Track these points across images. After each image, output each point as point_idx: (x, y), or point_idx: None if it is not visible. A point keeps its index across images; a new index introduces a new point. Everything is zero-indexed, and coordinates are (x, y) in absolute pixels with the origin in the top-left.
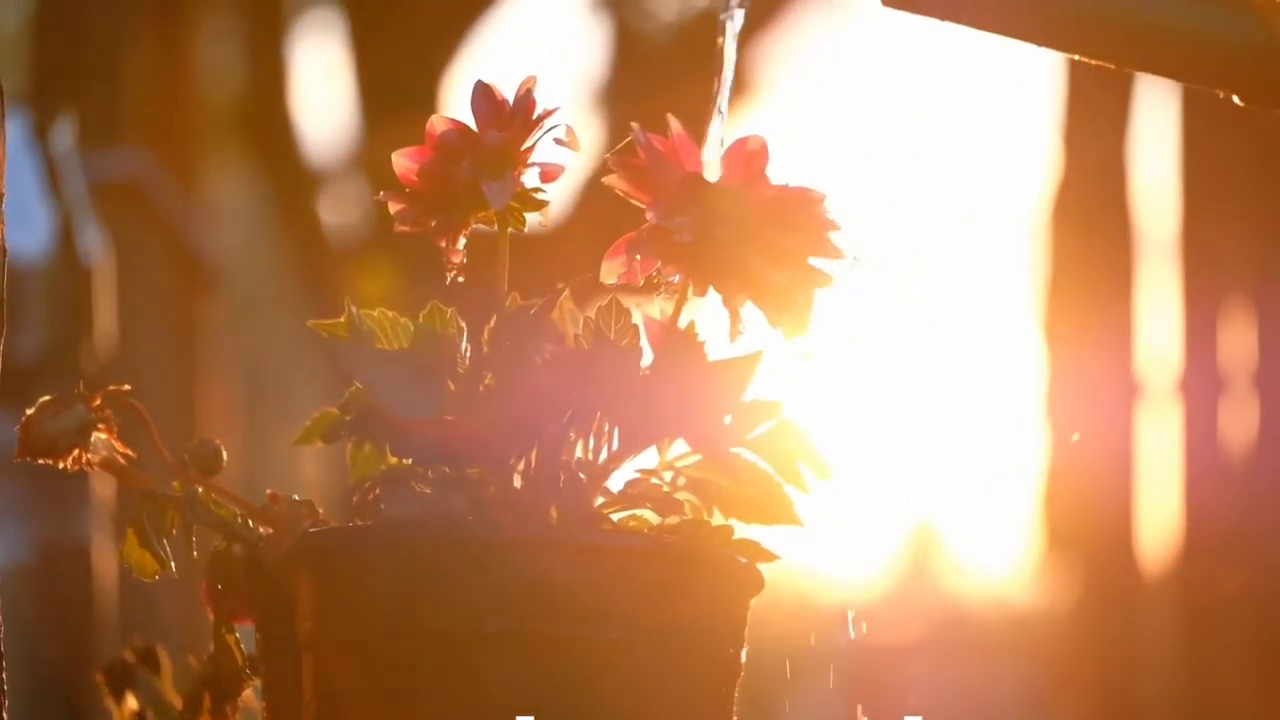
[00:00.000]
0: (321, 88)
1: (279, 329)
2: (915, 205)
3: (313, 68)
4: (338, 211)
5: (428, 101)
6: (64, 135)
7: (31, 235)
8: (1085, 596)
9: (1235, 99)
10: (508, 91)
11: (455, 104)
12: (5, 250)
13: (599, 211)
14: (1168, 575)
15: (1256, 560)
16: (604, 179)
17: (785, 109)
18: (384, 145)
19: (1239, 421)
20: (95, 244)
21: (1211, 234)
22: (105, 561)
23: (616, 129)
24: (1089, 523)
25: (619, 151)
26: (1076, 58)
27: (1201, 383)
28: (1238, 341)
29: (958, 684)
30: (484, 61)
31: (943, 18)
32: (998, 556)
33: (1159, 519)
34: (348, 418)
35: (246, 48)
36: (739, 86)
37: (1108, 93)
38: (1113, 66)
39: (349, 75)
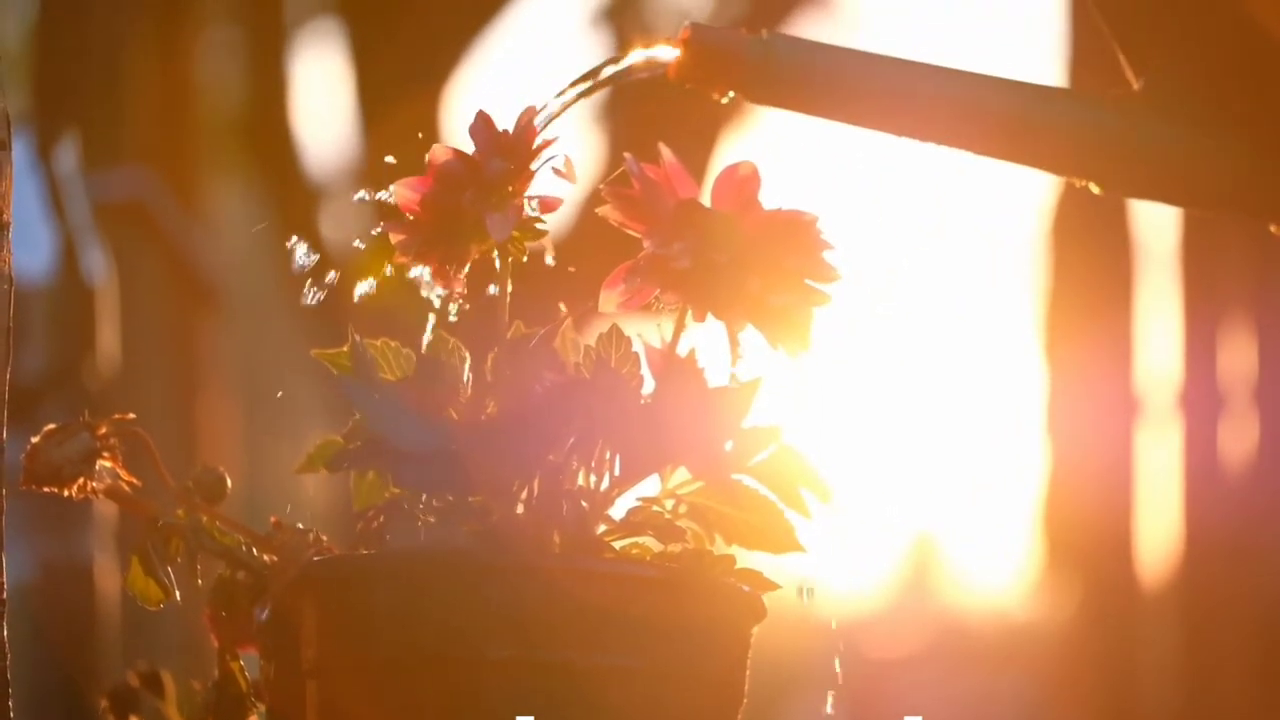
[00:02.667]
0: (323, 102)
1: (282, 346)
2: (915, 219)
3: (314, 82)
4: (341, 226)
5: (429, 115)
6: (66, 156)
7: (34, 256)
8: (1085, 609)
9: (1093, 188)
10: (507, 114)
11: (456, 117)
12: (12, 280)
13: (599, 228)
14: (1167, 589)
15: (1256, 574)
16: (599, 210)
17: (784, 122)
18: (385, 159)
19: (1238, 435)
20: (98, 264)
21: (1212, 248)
22: (107, 581)
23: (616, 144)
24: (1089, 536)
25: (613, 181)
26: (946, 150)
27: (1201, 396)
28: (1237, 355)
29: (957, 696)
30: (484, 75)
31: (814, 114)
32: (998, 569)
33: (1158, 532)
34: (351, 447)
35: (248, 64)
36: (741, 104)
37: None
38: (984, 158)
39: (350, 89)
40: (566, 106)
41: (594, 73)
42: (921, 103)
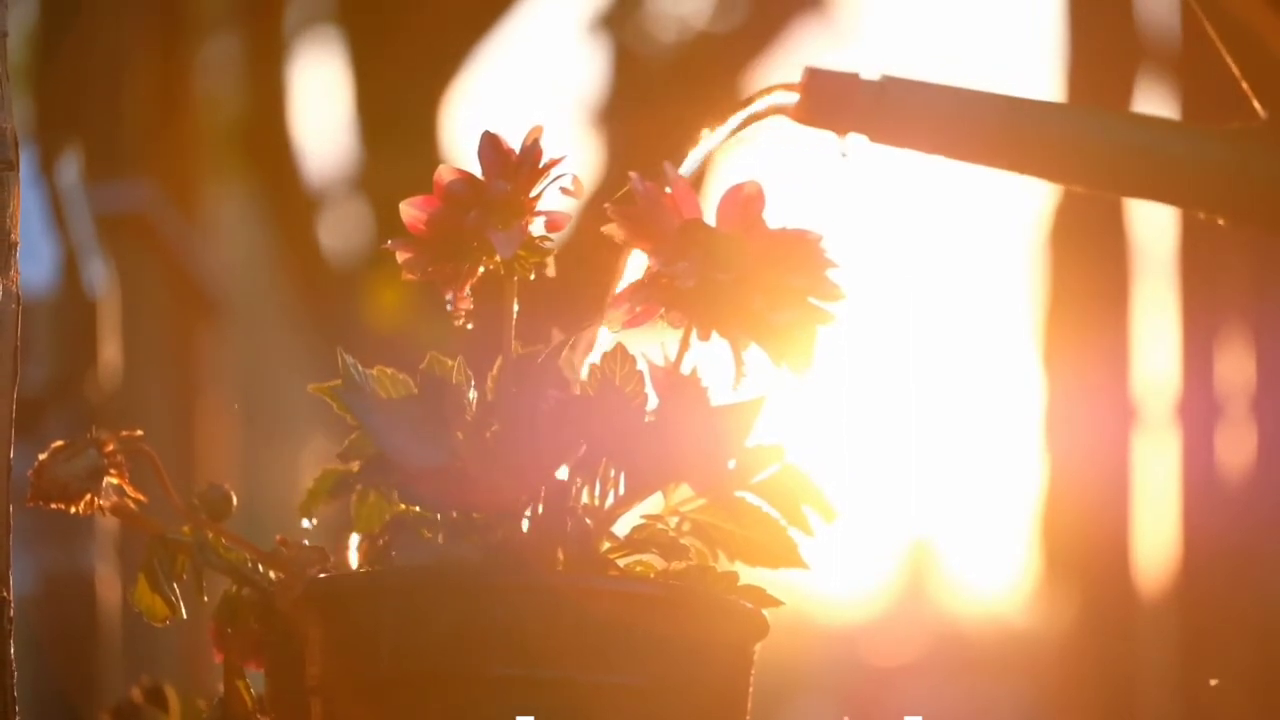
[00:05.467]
0: (323, 112)
1: (283, 357)
2: (913, 226)
3: (314, 92)
4: (341, 236)
5: (428, 124)
6: (68, 169)
7: (37, 268)
8: (1082, 617)
9: (1220, 221)
10: (506, 121)
11: (455, 125)
12: (20, 299)
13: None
14: (1165, 597)
15: (1254, 583)
16: (603, 228)
17: (784, 132)
18: (386, 168)
19: (1236, 443)
20: (99, 276)
21: (1210, 255)
22: (109, 593)
23: (614, 151)
24: (1087, 544)
25: (618, 200)
26: (1066, 186)
27: (1199, 404)
28: (1235, 363)
29: (954, 703)
30: (483, 83)
31: (932, 153)
32: (995, 577)
33: (1156, 540)
34: (353, 466)
35: (248, 75)
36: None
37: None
38: (1110, 195)
39: (350, 98)
40: (703, 157)
41: (723, 124)
42: (1041, 141)
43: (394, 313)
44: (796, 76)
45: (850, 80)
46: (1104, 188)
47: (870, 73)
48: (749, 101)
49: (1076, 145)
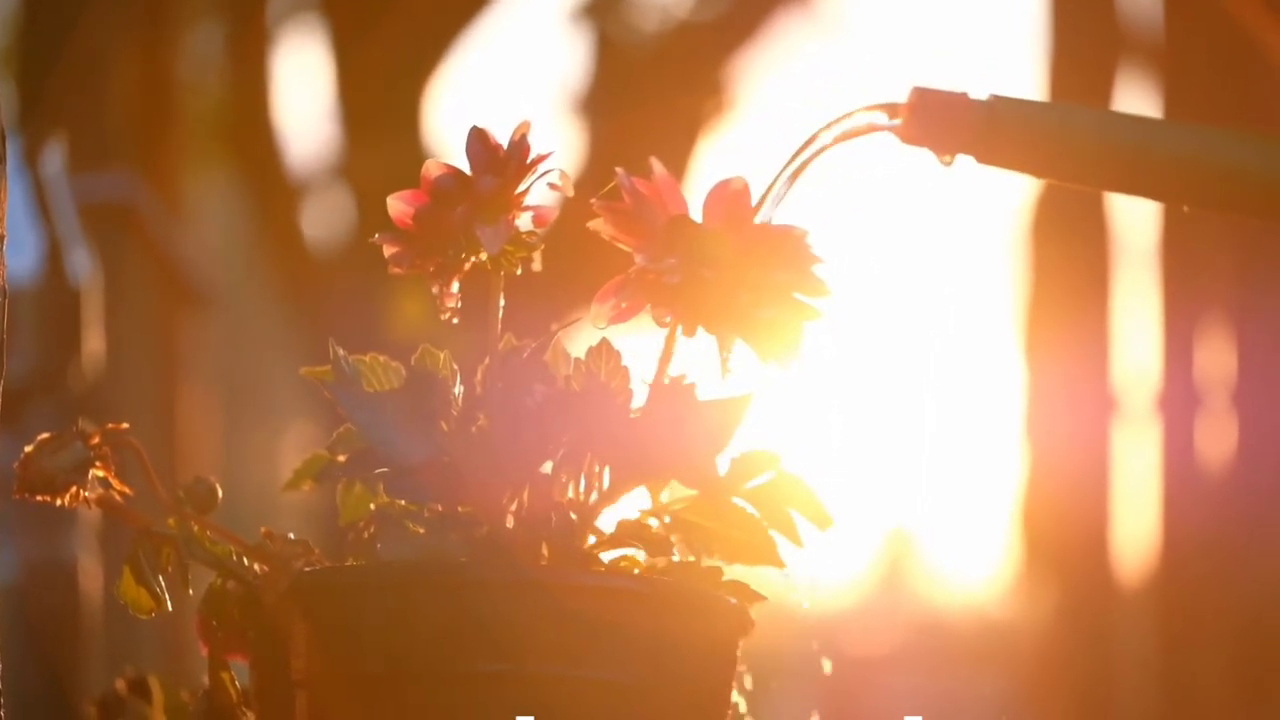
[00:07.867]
0: (306, 101)
1: (267, 347)
2: (894, 217)
3: (297, 81)
4: (324, 225)
5: (412, 113)
6: (52, 158)
7: (20, 258)
8: (1062, 608)
9: None
10: (491, 109)
11: (438, 115)
12: (6, 292)
13: (578, 225)
14: (1144, 588)
15: (1233, 574)
16: (589, 224)
17: (767, 124)
18: (369, 158)
19: (1217, 435)
20: (83, 265)
21: (1191, 246)
22: (91, 583)
23: (597, 141)
24: (1066, 535)
25: (604, 196)
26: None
27: (1179, 395)
28: (1216, 355)
29: (933, 694)
30: (467, 73)
31: (1044, 176)
32: (975, 568)
33: (1136, 532)
34: (340, 459)
35: (232, 64)
36: (722, 103)
37: (1087, 102)
38: (1227, 214)
39: (333, 88)
40: (795, 177)
41: (814, 138)
42: (1158, 162)
43: (417, 324)
44: (902, 95)
45: (959, 100)
46: (1226, 209)
47: (978, 92)
48: (847, 117)
49: (1195, 169)
